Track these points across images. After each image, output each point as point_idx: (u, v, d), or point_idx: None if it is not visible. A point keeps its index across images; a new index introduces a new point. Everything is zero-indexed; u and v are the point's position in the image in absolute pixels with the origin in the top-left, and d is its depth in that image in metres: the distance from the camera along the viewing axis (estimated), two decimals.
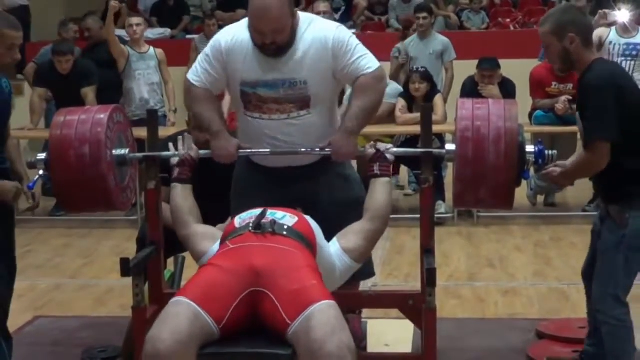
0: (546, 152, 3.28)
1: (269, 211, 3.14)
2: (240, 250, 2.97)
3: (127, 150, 3.54)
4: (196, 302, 2.79)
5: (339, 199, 3.53)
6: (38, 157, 3.41)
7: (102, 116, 3.41)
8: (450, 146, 3.35)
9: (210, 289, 2.85)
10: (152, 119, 3.61)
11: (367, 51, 3.44)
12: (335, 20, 7.85)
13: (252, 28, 3.34)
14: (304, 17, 3.46)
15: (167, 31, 11.02)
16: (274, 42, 3.31)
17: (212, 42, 3.50)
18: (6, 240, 3.61)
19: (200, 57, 3.54)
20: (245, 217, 3.16)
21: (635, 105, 3.30)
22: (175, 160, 3.47)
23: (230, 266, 2.90)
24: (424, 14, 7.91)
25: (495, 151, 3.15)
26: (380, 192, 3.35)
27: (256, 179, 3.57)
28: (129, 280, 3.26)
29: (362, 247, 3.25)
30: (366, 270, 3.64)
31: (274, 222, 3.06)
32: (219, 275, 2.89)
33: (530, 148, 3.25)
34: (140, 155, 3.59)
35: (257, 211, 3.14)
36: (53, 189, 3.45)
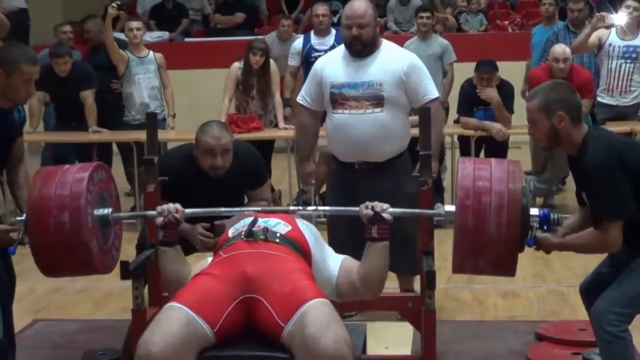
0: (551, 216, 3.08)
1: (262, 219, 3.14)
2: (232, 258, 2.97)
3: (109, 210, 3.28)
4: (189, 306, 2.79)
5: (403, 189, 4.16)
6: (17, 219, 3.18)
7: (81, 175, 3.16)
8: (449, 207, 3.16)
9: (203, 294, 2.85)
10: (152, 121, 3.61)
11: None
12: (333, 22, 7.89)
13: (343, 27, 4.30)
14: (386, 41, 4.44)
15: (165, 34, 11.00)
16: (359, 37, 4.22)
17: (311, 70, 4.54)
18: None
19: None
20: (238, 227, 3.16)
21: None
22: (160, 221, 3.24)
23: (223, 274, 2.90)
24: (427, 14, 7.88)
25: (497, 222, 2.93)
26: (377, 257, 3.13)
27: (339, 173, 4.43)
28: (128, 283, 3.26)
29: (349, 296, 3.20)
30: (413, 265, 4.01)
31: (266, 230, 3.05)
32: (212, 282, 2.89)
33: (534, 211, 3.05)
34: (124, 214, 3.49)
35: (249, 219, 3.14)
36: (32, 253, 3.14)
